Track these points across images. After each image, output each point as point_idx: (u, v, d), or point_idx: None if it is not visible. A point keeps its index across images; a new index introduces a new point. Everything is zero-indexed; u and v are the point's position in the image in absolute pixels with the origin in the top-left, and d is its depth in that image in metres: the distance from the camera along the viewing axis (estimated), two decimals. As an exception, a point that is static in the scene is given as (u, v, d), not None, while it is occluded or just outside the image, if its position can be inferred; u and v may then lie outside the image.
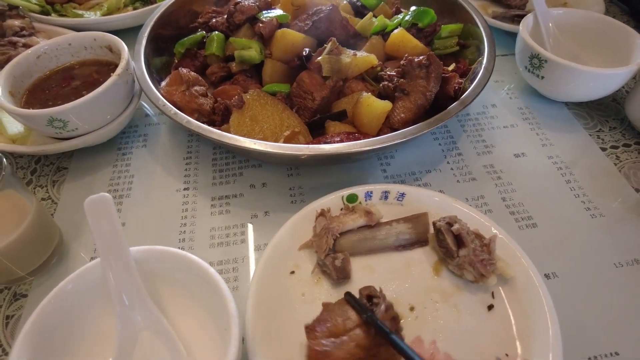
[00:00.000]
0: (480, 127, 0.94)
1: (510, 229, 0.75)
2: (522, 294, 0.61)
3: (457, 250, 0.61)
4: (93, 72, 0.88)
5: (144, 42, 0.91)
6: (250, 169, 0.85)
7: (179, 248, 0.72)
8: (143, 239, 0.74)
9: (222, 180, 0.83)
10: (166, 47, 0.99)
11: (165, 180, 0.84)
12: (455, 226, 0.62)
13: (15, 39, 0.99)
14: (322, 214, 0.67)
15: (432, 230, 0.67)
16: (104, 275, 0.55)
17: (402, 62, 0.80)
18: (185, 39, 0.96)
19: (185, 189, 0.82)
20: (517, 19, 1.14)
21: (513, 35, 1.13)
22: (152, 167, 0.86)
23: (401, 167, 0.85)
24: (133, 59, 0.88)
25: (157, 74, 0.92)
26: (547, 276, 0.69)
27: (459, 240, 0.62)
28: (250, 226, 0.76)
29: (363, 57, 0.83)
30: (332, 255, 0.63)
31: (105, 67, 0.88)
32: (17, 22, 1.02)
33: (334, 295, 0.63)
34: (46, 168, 0.87)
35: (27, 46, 0.97)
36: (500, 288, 0.63)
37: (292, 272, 0.64)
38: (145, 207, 0.79)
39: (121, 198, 0.81)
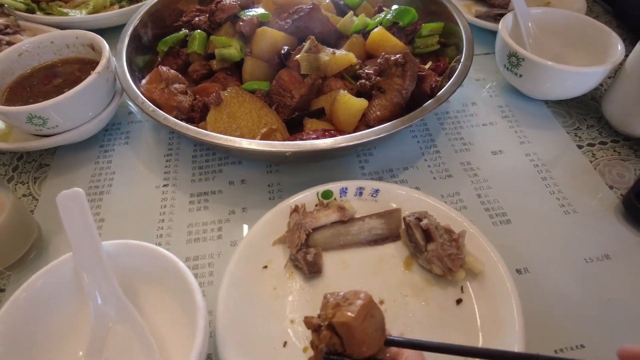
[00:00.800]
0: (459, 125, 0.95)
1: (484, 225, 0.76)
2: (490, 289, 0.62)
3: (425, 245, 0.63)
4: (75, 70, 0.89)
5: (126, 40, 0.92)
6: (230, 166, 0.86)
7: (156, 243, 0.73)
8: (121, 234, 0.75)
9: (202, 177, 0.84)
10: (150, 45, 1.00)
11: (145, 177, 0.85)
12: (424, 221, 0.63)
13: (-1, 36, 1.00)
14: (296, 209, 0.67)
15: (404, 226, 0.68)
16: (76, 269, 0.56)
17: (379, 60, 0.81)
18: (168, 37, 0.96)
19: (164, 186, 0.83)
20: (499, 18, 1.14)
21: (496, 34, 1.14)
22: (133, 163, 0.87)
23: (379, 165, 0.85)
24: (115, 57, 0.89)
25: (140, 72, 0.93)
26: (518, 271, 0.70)
27: (428, 235, 0.63)
28: (227, 222, 0.77)
29: (341, 56, 0.84)
30: (304, 250, 0.64)
31: (88, 65, 0.89)
32: (1, 20, 1.03)
33: (306, 289, 0.64)
34: (28, 165, 0.88)
35: (10, 44, 0.97)
36: (469, 283, 0.64)
37: (265, 267, 0.65)
38: (124, 203, 0.80)
39: (102, 194, 0.82)
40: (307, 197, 0.71)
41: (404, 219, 0.66)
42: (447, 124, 0.95)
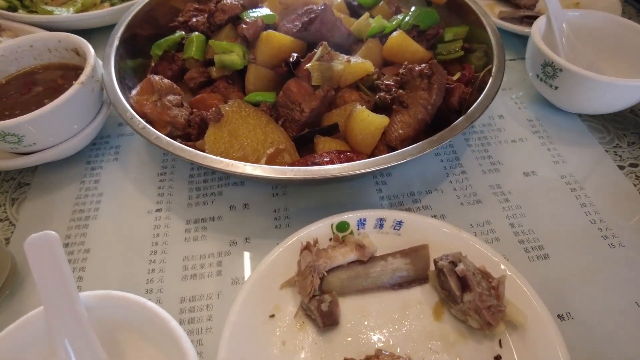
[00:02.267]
0: (486, 141, 0.85)
1: (519, 260, 0.67)
2: (533, 343, 0.53)
3: (461, 295, 0.54)
4: (58, 77, 0.79)
5: (115, 43, 0.82)
6: (230, 188, 0.77)
7: (147, 280, 0.65)
8: (109, 270, 0.66)
9: (199, 200, 0.75)
10: (143, 48, 0.90)
11: (136, 200, 0.75)
12: (460, 266, 0.54)
13: (-24, 38, 0.90)
14: (308, 247, 0.58)
15: (432, 266, 0.59)
16: (48, 327, 0.47)
17: (401, 70, 0.71)
18: (163, 40, 0.87)
19: (157, 210, 0.74)
20: (526, 20, 1.05)
21: (522, 38, 1.05)
22: (122, 184, 0.78)
23: (399, 187, 0.76)
24: (103, 62, 0.79)
25: (131, 79, 0.84)
26: (560, 317, 0.61)
27: (464, 283, 0.54)
28: (228, 256, 0.68)
29: (357, 64, 0.74)
30: (317, 297, 0.55)
31: (72, 72, 0.80)
32: (-21, 19, 0.93)
33: (320, 343, 0.55)
34: (6, 184, 0.78)
35: (-12, 46, 0.88)
36: (508, 336, 0.55)
37: (272, 316, 0.57)
38: (112, 231, 0.71)
39: (87, 220, 0.73)
40: (319, 229, 0.62)
41: (436, 262, 0.57)
42: (473, 140, 0.85)
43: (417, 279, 0.59)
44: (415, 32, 0.87)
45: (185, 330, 0.58)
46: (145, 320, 0.49)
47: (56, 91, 0.74)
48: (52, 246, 0.46)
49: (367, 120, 0.67)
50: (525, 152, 0.83)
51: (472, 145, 0.84)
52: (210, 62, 0.83)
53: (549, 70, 0.80)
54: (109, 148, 0.84)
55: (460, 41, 0.90)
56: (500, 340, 0.55)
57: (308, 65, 0.71)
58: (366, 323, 0.57)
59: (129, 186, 0.77)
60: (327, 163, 0.64)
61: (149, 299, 0.62)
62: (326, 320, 0.54)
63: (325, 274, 0.57)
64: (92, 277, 0.66)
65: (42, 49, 0.80)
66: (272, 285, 0.58)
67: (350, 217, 0.63)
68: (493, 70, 0.77)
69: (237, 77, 0.81)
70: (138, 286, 0.64)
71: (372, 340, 0.55)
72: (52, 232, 0.47)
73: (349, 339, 0.55)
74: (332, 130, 0.72)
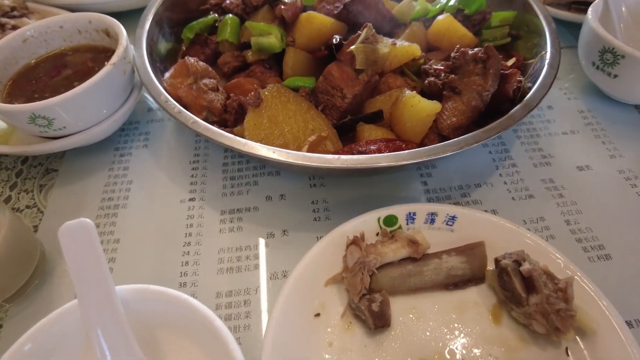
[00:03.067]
0: (535, 132, 0.80)
1: (578, 260, 0.61)
2: (604, 352, 0.48)
3: (526, 297, 0.49)
4: (88, 59, 0.76)
5: (146, 26, 0.79)
6: (266, 177, 0.73)
7: (181, 273, 0.61)
8: (140, 261, 0.63)
9: (234, 190, 0.71)
10: (173, 31, 0.87)
11: (168, 188, 0.72)
12: (525, 266, 0.49)
13: (4, 20, 0.88)
14: (355, 242, 0.54)
15: (490, 264, 0.54)
16: (83, 321, 0.44)
17: (453, 54, 0.66)
18: (195, 22, 0.83)
19: (190, 200, 0.70)
20: (574, 6, 0.99)
21: (569, 25, 0.99)
22: (153, 171, 0.75)
23: (445, 179, 0.72)
24: (134, 45, 0.76)
25: (162, 63, 0.80)
26: (629, 324, 0.56)
27: (529, 284, 0.49)
28: (265, 248, 0.64)
29: (404, 47, 0.69)
30: (367, 297, 0.51)
31: (102, 55, 0.76)
32: (7, 1, 0.91)
33: (370, 346, 0.51)
34: (33, 170, 0.76)
35: (16, 28, 0.85)
36: (576, 343, 0.50)
37: (318, 315, 0.53)
38: (143, 221, 0.68)
39: (116, 209, 0.70)
40: (365, 223, 0.58)
41: (497, 260, 0.52)
42: (522, 131, 0.80)
43: (473, 279, 0.55)
44: (460, 16, 0.82)
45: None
46: (185, 317, 0.45)
47: (86, 74, 0.71)
48: (88, 234, 0.43)
49: (418, 107, 0.62)
50: (578, 145, 0.78)
51: (521, 137, 0.79)
52: (244, 46, 0.79)
53: (609, 57, 0.74)
54: (138, 134, 0.81)
55: (507, 27, 0.85)
56: (567, 349, 0.50)
57: (352, 47, 0.67)
58: (419, 325, 0.52)
59: (160, 174, 0.74)
60: (374, 152, 0.60)
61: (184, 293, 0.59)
62: (377, 321, 0.50)
63: (375, 272, 0.53)
64: (122, 269, 0.62)
65: (72, 30, 0.76)
66: (317, 282, 0.54)
67: (399, 211, 0.59)
68: (548, 56, 0.71)
69: (274, 62, 0.77)
70: (171, 279, 0.61)
71: (426, 345, 0.51)
72: (88, 219, 0.43)
73: (401, 342, 0.51)
74: (376, 118, 0.67)
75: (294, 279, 0.53)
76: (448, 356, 0.50)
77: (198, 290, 0.60)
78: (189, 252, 0.64)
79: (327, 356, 0.50)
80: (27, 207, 0.70)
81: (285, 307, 0.50)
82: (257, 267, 0.62)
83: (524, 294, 0.49)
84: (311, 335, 0.51)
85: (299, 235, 0.65)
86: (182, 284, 0.60)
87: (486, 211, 0.67)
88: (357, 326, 0.52)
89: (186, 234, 0.66)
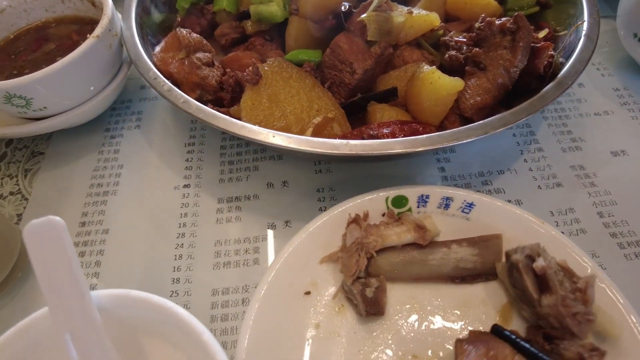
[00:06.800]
0: (564, 113, 0.72)
1: (612, 258, 0.56)
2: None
3: (539, 298, 0.43)
4: (72, 32, 0.69)
5: (136, -7, 0.71)
6: (267, 162, 0.67)
7: (174, 267, 0.57)
8: (129, 254, 0.58)
9: (232, 175, 0.65)
10: (167, 0, 0.79)
11: (161, 174, 0.66)
12: (539, 262, 0.43)
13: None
14: (356, 220, 0.49)
15: (505, 261, 0.49)
16: (55, 327, 0.39)
17: (477, 24, 0.59)
18: (190, -10, 0.75)
19: (185, 186, 0.65)
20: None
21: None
22: (145, 155, 0.69)
23: (465, 165, 0.65)
24: (122, 15, 0.69)
25: (154, 36, 0.73)
26: (670, 331, 0.50)
27: (543, 283, 0.43)
28: (266, 240, 0.58)
29: (421, 16, 0.62)
30: (362, 280, 0.46)
31: (88, 26, 0.70)
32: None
33: (359, 333, 0.47)
34: (18, 153, 0.70)
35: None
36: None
37: (308, 293, 0.48)
38: (134, 209, 0.63)
39: (106, 195, 0.64)
40: (371, 202, 0.52)
41: (508, 255, 0.46)
42: (549, 112, 0.72)
43: (483, 274, 0.49)
44: (484, -18, 0.73)
45: (217, 330, 0.51)
46: (171, 325, 0.40)
47: (70, 48, 0.64)
48: (57, 234, 0.38)
49: (437, 84, 0.55)
50: (613, 127, 0.70)
51: (549, 118, 0.72)
52: (244, 16, 0.72)
53: (654, 28, 0.66)
54: (130, 114, 0.75)
55: (536, -6, 0.76)
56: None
57: (363, 16, 0.59)
58: (417, 318, 0.47)
59: (153, 158, 0.68)
60: (388, 136, 0.53)
61: (176, 291, 0.55)
62: (370, 308, 0.45)
63: (375, 255, 0.48)
64: (112, 261, 0.58)
65: (54, -2, 0.70)
66: (311, 259, 0.50)
67: (410, 192, 0.53)
68: (585, 27, 0.63)
69: (276, 33, 0.70)
70: (163, 275, 0.56)
71: (422, 340, 0.46)
72: (57, 217, 0.38)
73: (394, 333, 0.46)
74: (390, 96, 0.61)
75: (286, 253, 0.49)
76: (442, 355, 0.45)
77: (192, 287, 0.55)
78: (182, 244, 0.59)
79: (309, 337, 0.46)
80: (11, 193, 0.65)
81: (275, 280, 0.47)
82: (256, 261, 0.57)
83: (536, 294, 0.43)
84: (298, 312, 0.47)
85: (302, 227, 0.59)
86: (176, 280, 0.55)
87: (509, 201, 0.61)
88: (348, 310, 0.48)
89: (180, 224, 0.60)
